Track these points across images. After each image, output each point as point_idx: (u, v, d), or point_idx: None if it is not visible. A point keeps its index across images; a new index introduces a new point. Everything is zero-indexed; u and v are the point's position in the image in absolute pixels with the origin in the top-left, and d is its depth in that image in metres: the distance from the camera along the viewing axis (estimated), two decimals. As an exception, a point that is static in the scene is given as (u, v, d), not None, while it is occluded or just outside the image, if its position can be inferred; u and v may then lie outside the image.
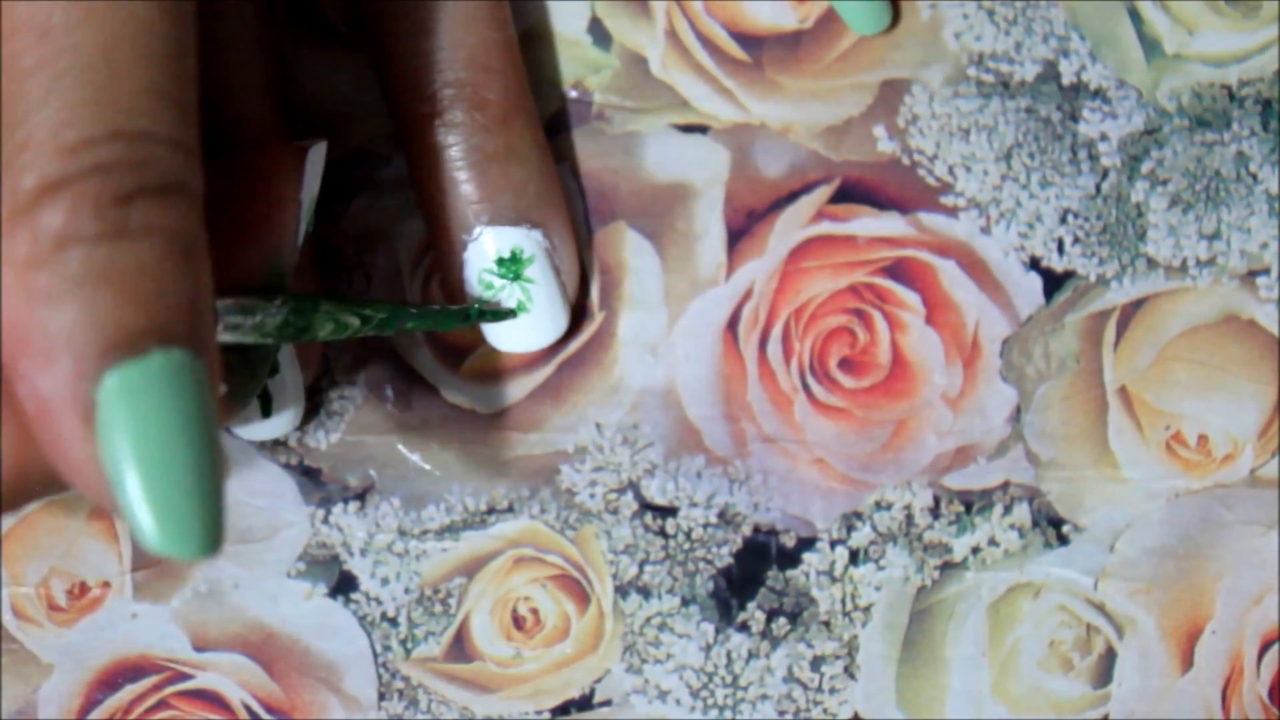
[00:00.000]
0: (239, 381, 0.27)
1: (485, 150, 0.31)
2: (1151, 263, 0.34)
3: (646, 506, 0.34)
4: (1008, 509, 0.34)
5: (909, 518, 0.34)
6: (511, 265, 0.31)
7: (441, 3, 0.31)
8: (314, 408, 0.34)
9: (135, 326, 0.21)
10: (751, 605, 0.34)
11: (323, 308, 0.28)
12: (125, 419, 0.21)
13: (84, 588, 0.34)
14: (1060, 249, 0.34)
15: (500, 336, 0.32)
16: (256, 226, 0.27)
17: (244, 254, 0.27)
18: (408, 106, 0.32)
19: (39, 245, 0.21)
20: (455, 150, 0.31)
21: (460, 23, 0.31)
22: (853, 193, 0.34)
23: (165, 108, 0.22)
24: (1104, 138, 0.34)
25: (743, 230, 0.34)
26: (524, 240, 0.31)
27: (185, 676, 0.34)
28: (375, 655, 0.34)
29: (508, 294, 0.32)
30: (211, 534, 0.21)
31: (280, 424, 0.33)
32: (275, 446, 0.34)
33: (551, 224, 0.32)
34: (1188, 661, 0.34)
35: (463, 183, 0.31)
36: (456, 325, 0.31)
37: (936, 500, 0.34)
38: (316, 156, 0.28)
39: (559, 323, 0.32)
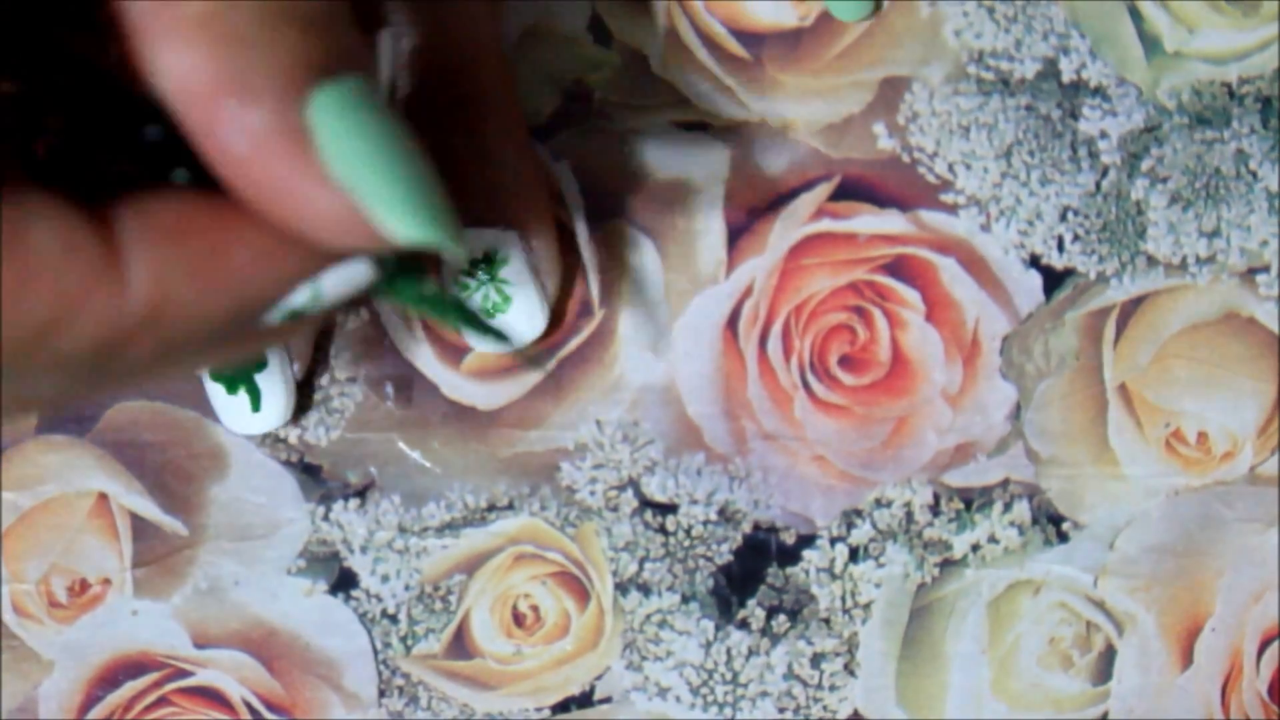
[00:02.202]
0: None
1: (458, 152, 0.31)
2: (1151, 260, 0.34)
3: (647, 504, 0.34)
4: (1008, 506, 0.34)
5: (909, 515, 0.34)
6: (485, 266, 0.31)
7: (416, 6, 0.31)
8: (307, 403, 0.34)
9: (323, 54, 0.22)
10: (751, 602, 0.34)
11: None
12: (342, 133, 0.22)
13: (85, 585, 0.34)
14: (1060, 246, 0.34)
15: (478, 337, 0.32)
16: None
17: None
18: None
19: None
20: (429, 151, 0.31)
21: (434, 26, 0.31)
22: (853, 190, 0.34)
23: None
24: (1104, 135, 0.34)
25: (743, 228, 0.34)
26: (498, 241, 0.31)
27: (186, 673, 0.34)
28: (375, 652, 0.34)
29: (483, 295, 0.31)
30: (454, 219, 0.22)
31: (269, 418, 0.33)
32: (275, 444, 0.34)
33: (529, 225, 0.32)
34: (1187, 659, 0.34)
35: None
36: (442, 316, 0.31)
37: (936, 497, 0.34)
38: (388, 43, 0.28)
39: (536, 323, 0.32)
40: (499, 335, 0.30)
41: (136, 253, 0.22)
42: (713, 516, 0.34)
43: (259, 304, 0.23)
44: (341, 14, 0.22)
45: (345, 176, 0.22)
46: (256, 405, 0.33)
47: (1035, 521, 0.34)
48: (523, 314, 0.32)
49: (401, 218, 0.22)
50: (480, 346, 0.33)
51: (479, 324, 0.31)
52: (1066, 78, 0.34)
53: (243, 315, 0.23)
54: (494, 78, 0.32)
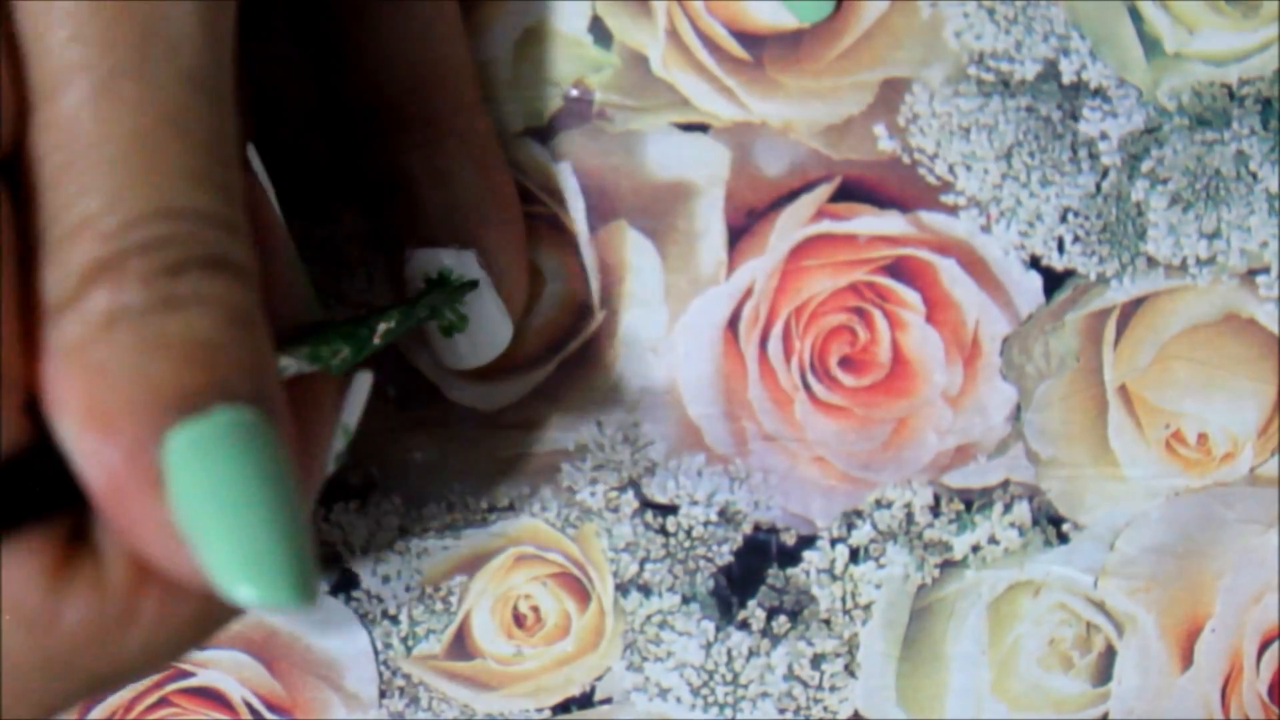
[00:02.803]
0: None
1: (411, 173, 0.31)
2: (1151, 261, 0.34)
3: (647, 504, 0.34)
4: (1008, 507, 0.34)
5: (909, 516, 0.34)
6: (440, 287, 0.31)
7: (367, 27, 0.30)
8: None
9: (194, 386, 0.20)
10: (752, 603, 0.34)
11: (378, 330, 0.28)
12: (197, 477, 0.20)
13: (85, 585, 0.34)
14: (1060, 248, 0.34)
15: (443, 353, 0.32)
16: (301, 444, 0.25)
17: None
18: (340, 124, 0.31)
19: (87, 326, 0.20)
20: (384, 171, 0.31)
21: (386, 48, 0.30)
22: (853, 191, 0.34)
23: (207, 188, 0.21)
24: (1104, 136, 0.34)
25: (743, 229, 0.34)
26: (454, 261, 0.31)
27: (186, 674, 0.34)
28: (376, 653, 0.34)
29: (440, 315, 0.31)
30: (305, 581, 0.21)
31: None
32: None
33: (488, 242, 0.31)
34: (1187, 660, 0.34)
35: (392, 205, 0.31)
36: (419, 321, 0.30)
37: (937, 498, 0.34)
38: (360, 386, 0.27)
39: (499, 340, 0.31)
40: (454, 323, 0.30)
41: (135, 572, 0.22)
42: (713, 517, 0.34)
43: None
44: (238, 337, 0.21)
45: (188, 527, 0.20)
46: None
47: (1035, 522, 0.34)
48: (483, 331, 0.31)
49: (241, 580, 0.20)
50: (442, 358, 0.32)
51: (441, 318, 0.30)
52: (1067, 79, 0.34)
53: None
54: (452, 94, 0.31)
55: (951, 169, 0.34)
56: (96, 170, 0.21)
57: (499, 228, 0.31)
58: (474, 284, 0.31)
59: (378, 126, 0.31)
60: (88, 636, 0.21)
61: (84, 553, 0.21)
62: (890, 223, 0.34)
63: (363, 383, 0.26)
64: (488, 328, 0.31)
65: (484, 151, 0.32)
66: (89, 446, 0.20)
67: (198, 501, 0.20)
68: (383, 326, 0.27)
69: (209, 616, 0.22)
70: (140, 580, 0.21)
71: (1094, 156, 0.34)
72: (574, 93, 0.34)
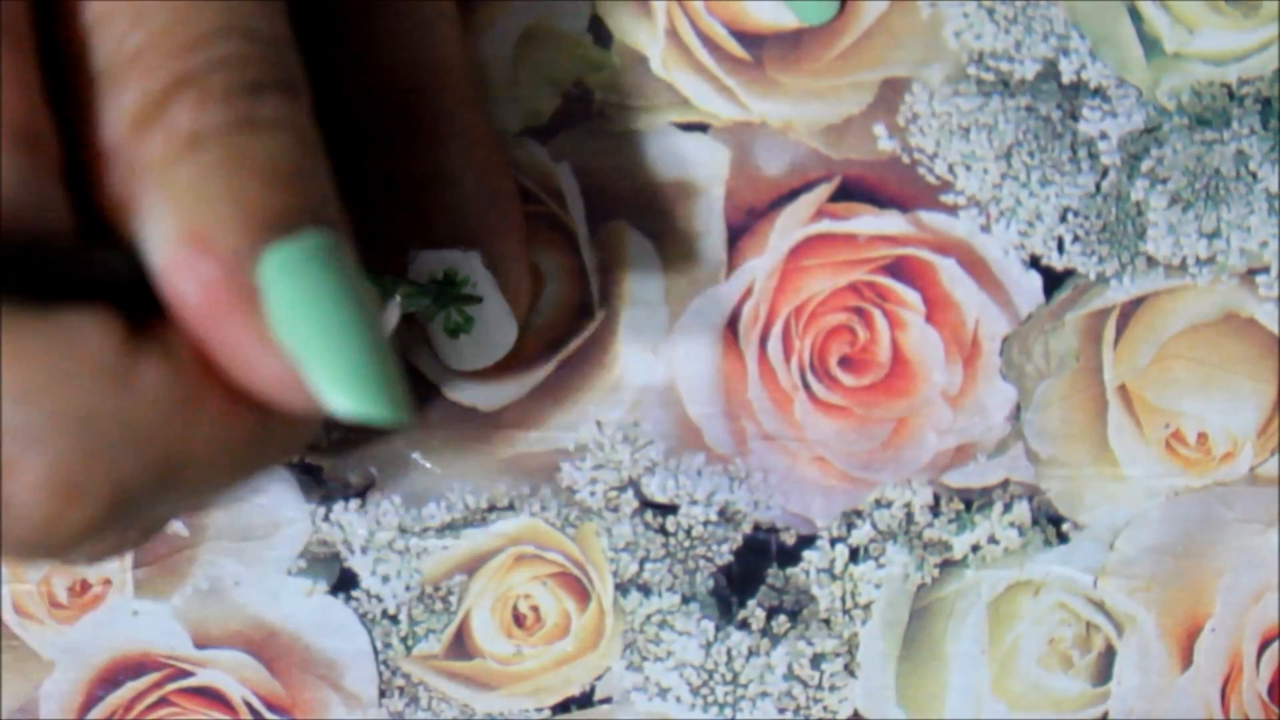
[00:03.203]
0: None
1: (415, 173, 0.31)
2: (1151, 261, 0.34)
3: (647, 504, 0.34)
4: (1007, 507, 0.34)
5: (909, 515, 0.34)
6: (446, 288, 0.31)
7: (371, 25, 0.30)
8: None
9: (284, 208, 0.21)
10: (752, 603, 0.34)
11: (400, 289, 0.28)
12: (293, 295, 0.21)
13: (85, 585, 0.34)
14: (1060, 247, 0.34)
15: (448, 354, 0.32)
16: None
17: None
18: (339, 125, 0.31)
19: (173, 144, 0.21)
20: (385, 173, 0.31)
21: (389, 46, 0.30)
22: (853, 191, 0.34)
23: (268, 7, 0.22)
24: (1104, 136, 0.34)
25: (743, 228, 0.34)
26: (459, 263, 0.31)
27: (186, 674, 0.34)
28: (376, 653, 0.34)
29: (443, 316, 0.31)
30: (401, 393, 0.21)
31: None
32: (276, 444, 0.34)
33: (491, 243, 0.31)
34: (1187, 659, 0.34)
35: (395, 206, 0.31)
36: (428, 302, 0.30)
37: (936, 498, 0.34)
38: (390, 315, 0.27)
39: (504, 341, 0.31)
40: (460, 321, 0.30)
41: (199, 369, 0.22)
42: (713, 517, 0.34)
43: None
44: (313, 163, 0.22)
45: (290, 342, 0.21)
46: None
47: (1035, 522, 0.34)
48: (488, 332, 0.31)
49: (344, 392, 0.21)
50: (445, 358, 0.32)
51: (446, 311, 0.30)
52: (1066, 79, 0.34)
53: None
54: (455, 97, 0.31)
55: (951, 169, 0.34)
56: None
57: (503, 229, 0.31)
58: (479, 299, 0.31)
59: (379, 128, 0.31)
60: (162, 407, 0.21)
61: (150, 338, 0.21)
62: (890, 222, 0.34)
63: (393, 309, 0.27)
64: (493, 328, 0.31)
65: (487, 152, 0.31)
66: (186, 262, 0.21)
67: (296, 317, 0.21)
68: (403, 288, 0.28)
69: (268, 429, 0.22)
70: (206, 374, 0.22)
71: (1094, 156, 0.34)
72: (574, 93, 0.34)
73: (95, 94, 0.21)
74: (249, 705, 0.34)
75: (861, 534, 0.34)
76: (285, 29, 0.22)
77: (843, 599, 0.34)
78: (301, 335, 0.21)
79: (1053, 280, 0.34)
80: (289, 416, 0.22)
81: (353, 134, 0.31)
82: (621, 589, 0.34)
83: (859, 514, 0.34)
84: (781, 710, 0.34)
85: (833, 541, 0.34)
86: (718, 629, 0.34)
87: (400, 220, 0.31)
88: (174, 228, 0.21)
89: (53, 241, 0.21)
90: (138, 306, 0.21)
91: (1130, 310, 0.34)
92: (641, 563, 0.34)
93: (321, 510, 0.34)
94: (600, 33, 0.34)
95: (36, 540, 0.21)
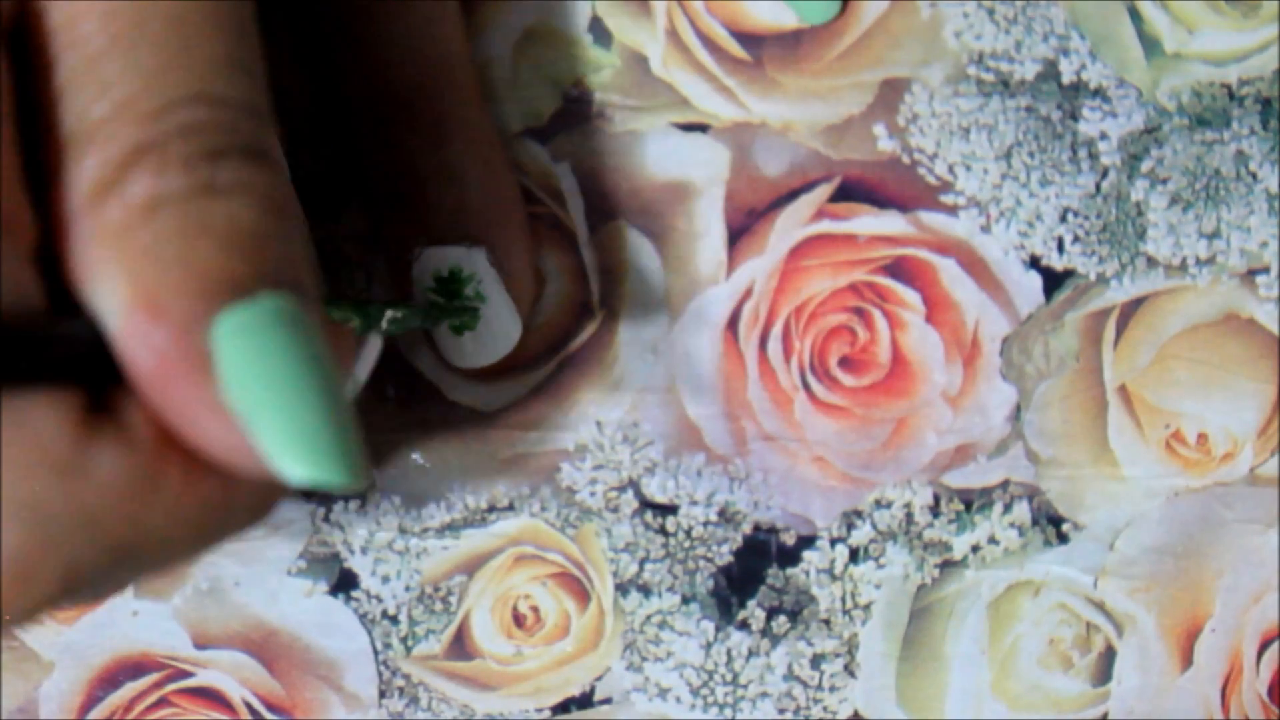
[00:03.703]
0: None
1: (421, 171, 0.31)
2: (1151, 261, 0.34)
3: (647, 504, 0.34)
4: (1007, 507, 0.34)
5: (909, 516, 0.34)
6: (452, 284, 0.31)
7: (375, 23, 0.30)
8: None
9: (240, 273, 0.21)
10: (752, 603, 0.34)
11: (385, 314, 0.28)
12: (246, 359, 0.21)
13: (85, 585, 0.34)
14: (1060, 248, 0.34)
15: (451, 352, 0.32)
16: None
17: None
18: (343, 123, 0.31)
19: (130, 211, 0.21)
20: (390, 171, 0.31)
21: (395, 44, 0.30)
22: (853, 191, 0.34)
23: (240, 74, 0.22)
24: (1104, 136, 0.34)
25: (743, 229, 0.34)
26: (464, 259, 0.31)
27: (186, 674, 0.34)
28: (376, 653, 0.34)
29: (451, 313, 0.31)
30: (355, 461, 0.21)
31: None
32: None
33: (497, 241, 0.31)
34: (1187, 660, 0.34)
35: (399, 204, 0.31)
36: (420, 324, 0.30)
37: (936, 498, 0.34)
38: (372, 347, 0.27)
39: (508, 339, 0.31)
40: (462, 319, 0.30)
41: (158, 444, 0.21)
42: (713, 517, 0.34)
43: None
44: (277, 226, 0.21)
45: (241, 407, 0.21)
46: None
47: (1035, 522, 0.34)
48: (493, 330, 0.31)
49: (293, 458, 0.21)
50: (449, 356, 0.32)
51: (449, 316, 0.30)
52: (1066, 79, 0.34)
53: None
54: (460, 95, 0.31)
55: (951, 169, 0.34)
56: (135, 52, 0.21)
57: (508, 226, 0.31)
58: (475, 310, 0.31)
59: (384, 125, 0.31)
60: (116, 492, 0.21)
61: (107, 418, 0.21)
62: (890, 223, 0.34)
63: (374, 345, 0.27)
64: (497, 326, 0.31)
65: (491, 150, 0.32)
66: (137, 328, 0.21)
67: (248, 382, 0.21)
68: (389, 314, 0.28)
69: (232, 497, 0.22)
70: (165, 448, 0.21)
71: (1094, 156, 0.34)
72: (573, 93, 0.34)
73: (60, 162, 0.21)
74: (249, 705, 0.34)
75: (861, 534, 0.34)
76: (259, 95, 0.22)
77: (843, 599, 0.34)
78: (251, 400, 0.21)
79: (1053, 280, 0.34)
80: (253, 483, 0.22)
81: (358, 132, 0.31)
82: (621, 589, 0.34)
83: (859, 514, 0.34)
84: (781, 711, 0.34)
85: (833, 542, 0.34)
86: (718, 629, 0.34)
87: (405, 217, 0.31)
88: (126, 293, 0.20)
89: (21, 321, 0.21)
90: (101, 376, 0.21)
91: (1130, 310, 0.34)
92: (641, 563, 0.34)
93: (321, 510, 0.34)
94: (600, 33, 0.34)
95: None
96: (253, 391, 0.21)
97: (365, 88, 0.31)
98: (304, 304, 0.21)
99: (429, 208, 0.31)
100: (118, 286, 0.21)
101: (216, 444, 0.21)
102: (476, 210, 0.31)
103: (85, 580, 0.21)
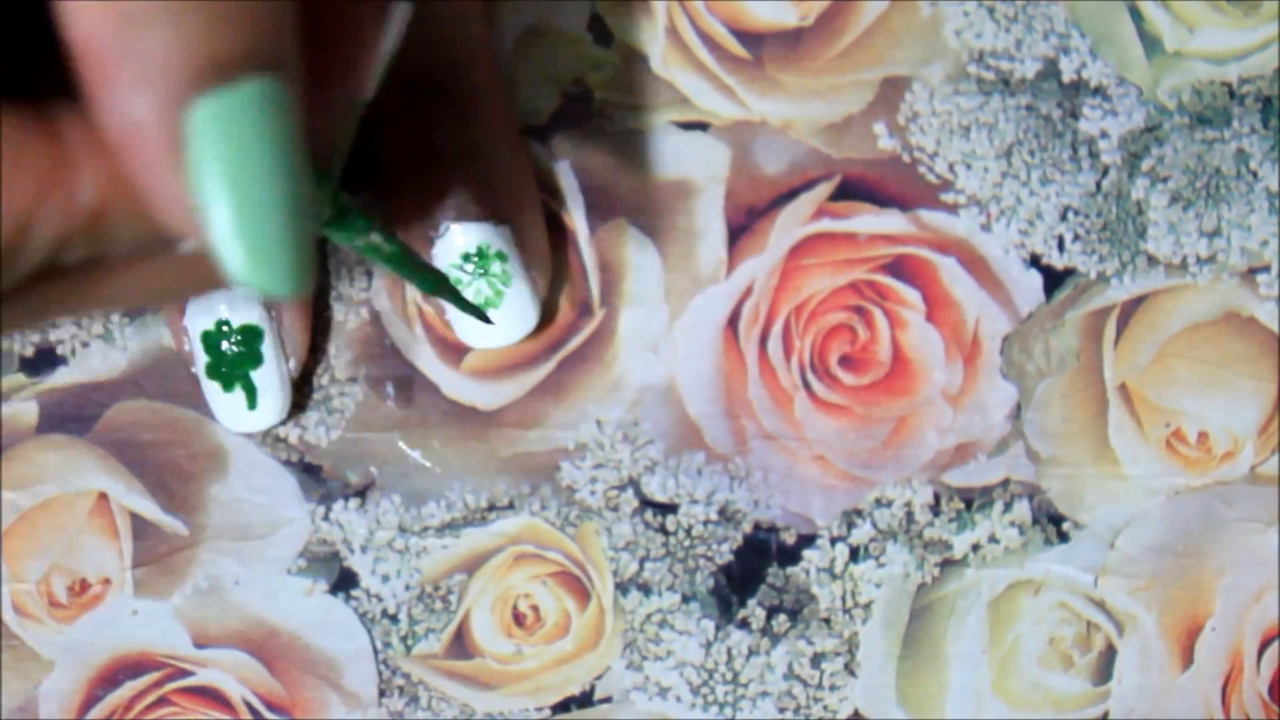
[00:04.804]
0: None
1: (450, 148, 0.31)
2: (1152, 260, 0.34)
3: (647, 503, 0.34)
4: (1008, 506, 0.34)
5: (909, 515, 0.34)
6: (479, 261, 0.31)
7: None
8: (304, 401, 0.34)
9: (227, 50, 0.20)
10: (752, 602, 0.34)
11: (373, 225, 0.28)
12: (216, 149, 0.20)
13: (85, 584, 0.34)
14: (1060, 246, 0.34)
15: (469, 332, 0.32)
16: (344, 69, 0.25)
17: (329, 95, 0.26)
18: (369, 102, 0.31)
19: None
20: (420, 147, 0.31)
21: (425, 20, 0.30)
22: (853, 190, 0.34)
23: None
24: (1104, 135, 0.34)
25: (743, 227, 0.34)
26: (491, 236, 0.31)
27: (186, 673, 0.34)
28: (376, 652, 0.34)
29: (475, 290, 0.31)
30: (300, 269, 0.21)
31: (266, 416, 0.33)
32: (276, 443, 0.34)
33: (520, 220, 0.32)
34: (1188, 658, 0.34)
35: (428, 180, 0.31)
36: (433, 289, 0.30)
37: (937, 497, 0.34)
38: (400, 14, 0.28)
39: (529, 318, 0.32)
40: (471, 307, 0.30)
41: (86, 163, 0.21)
42: (713, 516, 0.34)
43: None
44: (271, 5, 0.21)
45: (201, 201, 0.20)
46: (252, 403, 0.33)
47: (1035, 521, 0.34)
48: (515, 309, 0.32)
49: (240, 261, 0.21)
50: (466, 337, 0.32)
51: (450, 291, 0.31)
52: (1067, 77, 0.34)
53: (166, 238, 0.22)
54: (485, 76, 0.31)
55: (951, 167, 0.34)
56: None
57: (529, 207, 0.32)
58: (501, 289, 0.31)
59: (413, 102, 0.31)
60: (88, 211, 0.21)
61: (74, 139, 0.21)
62: (890, 221, 0.34)
63: (403, 11, 0.27)
64: (517, 307, 0.32)
65: (512, 132, 0.32)
66: (116, 95, 0.20)
67: (211, 174, 0.20)
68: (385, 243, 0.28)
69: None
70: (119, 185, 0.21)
71: (1094, 155, 0.34)
72: (574, 91, 0.34)
73: None
74: (249, 705, 0.34)
75: (862, 533, 0.34)
76: None
77: (843, 598, 0.34)
78: (211, 191, 0.20)
79: (1053, 279, 0.34)
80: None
81: (389, 110, 0.31)
82: (621, 588, 0.34)
83: (859, 513, 0.34)
84: (781, 710, 0.34)
85: (833, 541, 0.34)
86: (718, 628, 0.34)
87: (432, 192, 0.31)
88: (112, 56, 0.20)
89: None
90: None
91: (1131, 309, 0.34)
92: (641, 562, 0.34)
93: (321, 509, 0.34)
94: (600, 32, 0.34)
95: None
96: (213, 182, 0.20)
97: (398, 66, 0.31)
98: (284, 83, 0.21)
99: (455, 184, 0.31)
100: (104, 42, 0.20)
101: (170, 219, 0.21)
102: (501, 189, 0.31)
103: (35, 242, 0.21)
